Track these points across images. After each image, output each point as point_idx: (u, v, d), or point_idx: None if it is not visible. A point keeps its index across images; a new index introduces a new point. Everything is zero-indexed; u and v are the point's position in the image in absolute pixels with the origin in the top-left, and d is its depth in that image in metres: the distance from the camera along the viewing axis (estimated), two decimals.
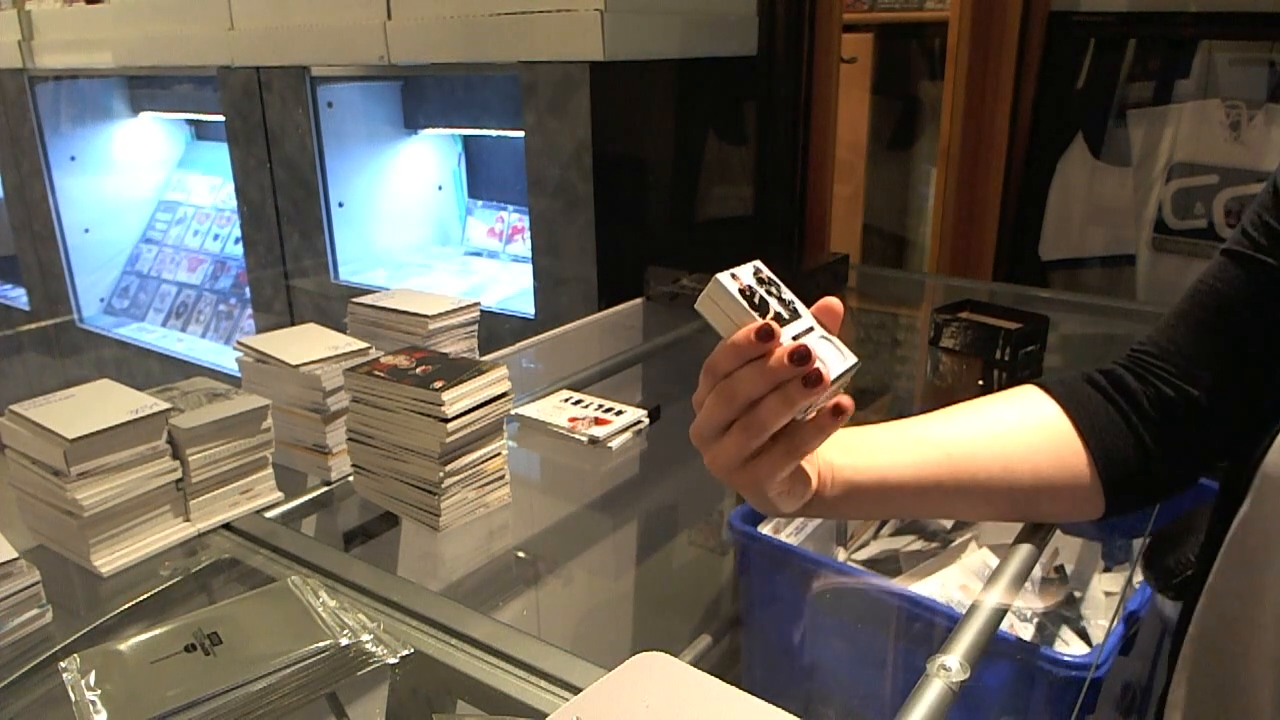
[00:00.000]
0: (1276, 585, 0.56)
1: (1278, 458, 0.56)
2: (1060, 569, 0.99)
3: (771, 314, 0.51)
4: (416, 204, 2.28)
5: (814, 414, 0.52)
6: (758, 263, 0.53)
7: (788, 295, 0.53)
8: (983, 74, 1.73)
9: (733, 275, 0.51)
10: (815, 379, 0.49)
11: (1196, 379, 0.64)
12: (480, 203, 2.33)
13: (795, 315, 0.53)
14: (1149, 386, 0.65)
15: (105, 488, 0.74)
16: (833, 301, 0.54)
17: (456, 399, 0.81)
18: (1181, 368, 0.64)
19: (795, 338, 0.51)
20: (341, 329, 1.01)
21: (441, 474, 0.83)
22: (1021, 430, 0.65)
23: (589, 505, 1.06)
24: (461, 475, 0.85)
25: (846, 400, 0.52)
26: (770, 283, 0.53)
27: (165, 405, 0.77)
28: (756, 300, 0.51)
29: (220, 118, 2.15)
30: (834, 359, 0.52)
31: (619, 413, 1.08)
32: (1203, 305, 0.65)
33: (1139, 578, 0.84)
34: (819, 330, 0.53)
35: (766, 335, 0.49)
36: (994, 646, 0.62)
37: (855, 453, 0.63)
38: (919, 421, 0.67)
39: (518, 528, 0.93)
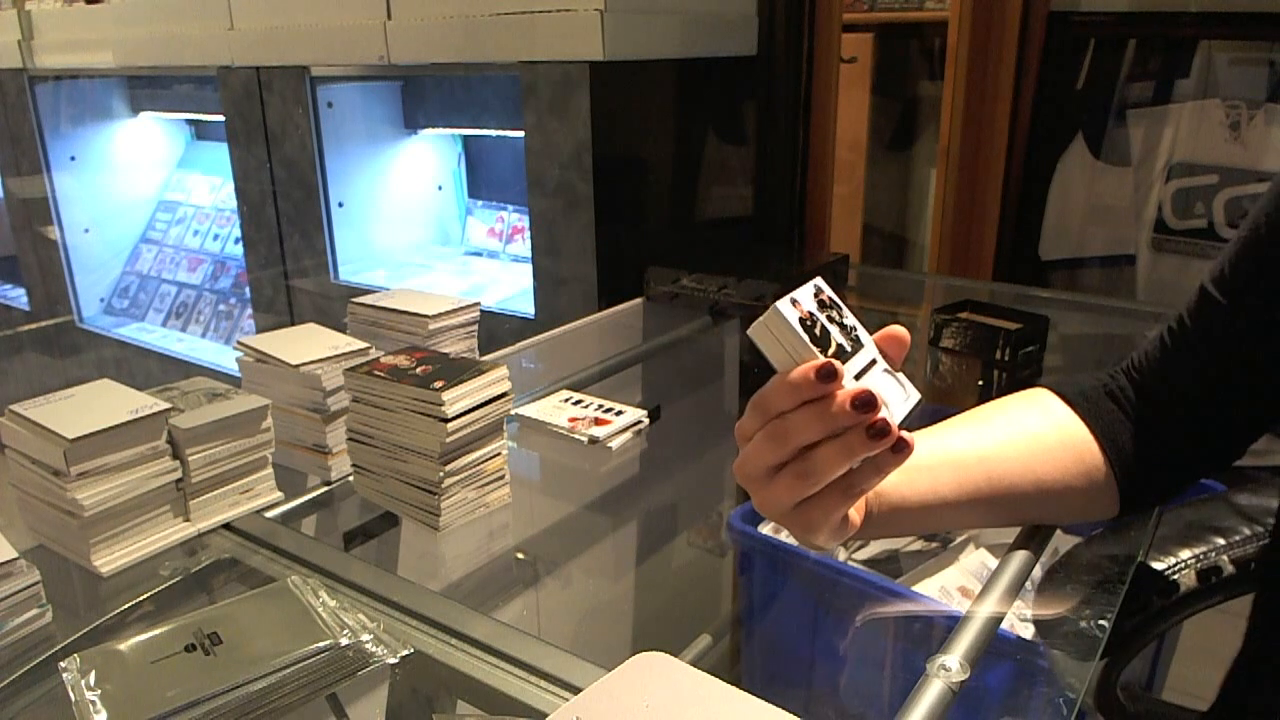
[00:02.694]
0: None
1: None
2: None
3: (833, 347, 0.45)
4: (416, 204, 2.28)
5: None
6: (819, 281, 0.47)
7: (849, 320, 0.48)
8: (983, 74, 1.73)
9: (793, 301, 0.45)
10: (881, 430, 0.44)
11: (1185, 393, 0.64)
12: (480, 203, 2.33)
13: (858, 345, 0.47)
14: (1146, 393, 0.66)
15: (105, 488, 0.74)
16: (899, 331, 0.48)
17: (456, 399, 0.81)
18: (1169, 382, 0.65)
19: (858, 375, 0.46)
20: (341, 329, 1.01)
21: (441, 474, 0.83)
22: (1047, 436, 0.65)
23: (589, 505, 1.06)
24: (461, 475, 0.85)
25: (909, 437, 0.46)
26: (831, 306, 0.47)
27: (165, 405, 0.77)
28: (818, 330, 0.45)
29: (220, 118, 2.15)
30: (897, 399, 0.47)
31: (619, 413, 1.08)
32: (1174, 334, 0.66)
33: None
34: (882, 363, 0.48)
35: (829, 376, 0.44)
36: (994, 646, 0.62)
37: (899, 472, 0.59)
38: (952, 433, 0.64)
39: (518, 528, 0.93)
